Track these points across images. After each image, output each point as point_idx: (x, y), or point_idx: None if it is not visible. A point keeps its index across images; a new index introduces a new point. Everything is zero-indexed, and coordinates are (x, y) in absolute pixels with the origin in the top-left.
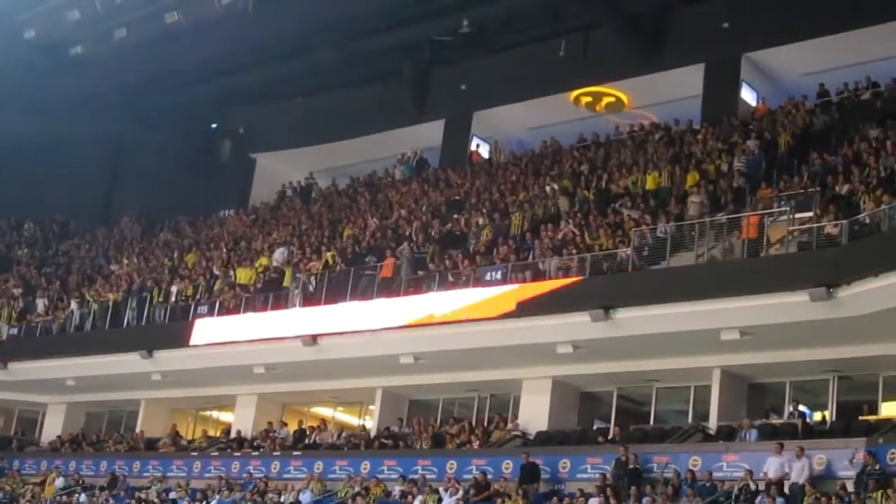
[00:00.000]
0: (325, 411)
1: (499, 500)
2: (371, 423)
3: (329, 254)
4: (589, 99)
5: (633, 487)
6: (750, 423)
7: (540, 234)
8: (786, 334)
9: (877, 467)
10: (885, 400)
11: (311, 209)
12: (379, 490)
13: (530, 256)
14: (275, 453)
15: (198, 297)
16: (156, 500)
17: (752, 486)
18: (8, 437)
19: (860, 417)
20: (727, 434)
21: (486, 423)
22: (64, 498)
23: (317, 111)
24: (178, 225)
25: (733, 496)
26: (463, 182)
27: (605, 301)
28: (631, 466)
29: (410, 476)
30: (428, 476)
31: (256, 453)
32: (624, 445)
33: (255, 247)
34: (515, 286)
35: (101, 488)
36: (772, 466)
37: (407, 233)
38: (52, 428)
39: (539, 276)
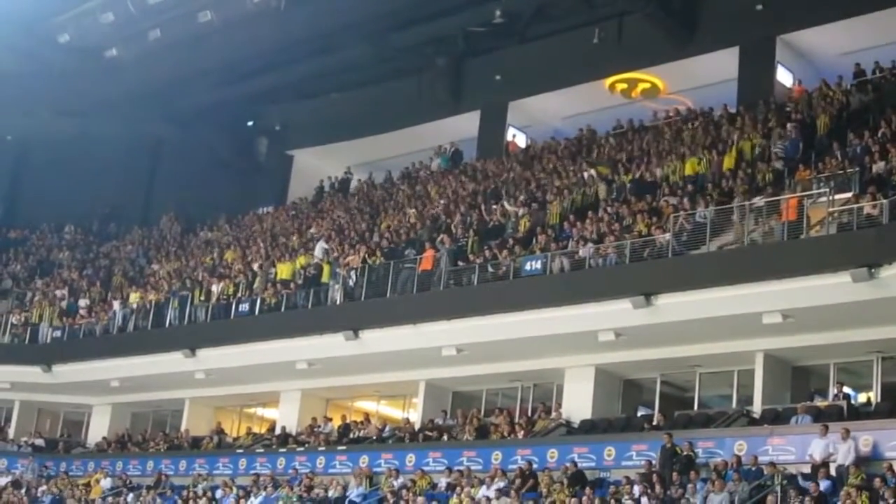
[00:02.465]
0: (368, 405)
1: (544, 490)
2: (415, 416)
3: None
4: (624, 86)
5: (680, 474)
6: (804, 406)
7: (576, 223)
8: (828, 316)
9: None
10: None
11: (349, 203)
12: (425, 482)
13: (569, 245)
14: (320, 448)
15: (239, 294)
16: (202, 498)
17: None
18: (55, 439)
19: None
20: (772, 418)
21: (529, 413)
22: (110, 499)
23: (352, 106)
24: (217, 223)
25: (777, 482)
26: (500, 172)
27: (646, 287)
28: (685, 454)
29: (456, 467)
30: (473, 467)
31: (302, 449)
32: (668, 432)
33: (292, 243)
34: None
35: (148, 488)
36: (817, 449)
37: (446, 224)
38: (98, 429)
39: (578, 264)
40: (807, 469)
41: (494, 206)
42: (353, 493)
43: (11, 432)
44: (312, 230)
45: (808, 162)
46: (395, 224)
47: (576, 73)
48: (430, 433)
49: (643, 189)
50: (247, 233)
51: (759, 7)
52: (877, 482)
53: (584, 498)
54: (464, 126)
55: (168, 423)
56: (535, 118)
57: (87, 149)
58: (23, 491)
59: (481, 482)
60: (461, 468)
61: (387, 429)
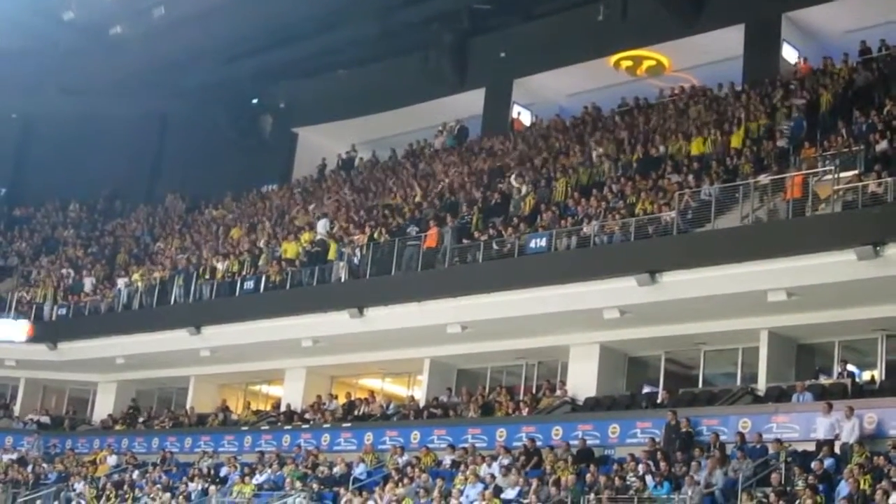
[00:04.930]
0: (373, 383)
1: (549, 468)
2: (419, 394)
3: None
4: (629, 63)
5: (682, 452)
6: (803, 385)
7: (581, 201)
8: (833, 294)
9: None
10: None
11: (353, 181)
12: (429, 459)
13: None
14: (325, 426)
15: (244, 272)
16: (207, 475)
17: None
18: (60, 416)
19: None
20: (776, 396)
21: (534, 391)
22: (116, 476)
23: (357, 83)
24: (222, 201)
25: (781, 460)
26: (505, 150)
27: (651, 265)
28: (683, 430)
29: (460, 445)
30: (478, 445)
31: (306, 426)
32: (672, 409)
33: (297, 222)
34: None
35: (154, 465)
36: (821, 427)
37: (450, 202)
38: (104, 406)
39: (584, 241)
40: (811, 447)
41: (500, 185)
42: (358, 470)
43: (17, 410)
44: (312, 206)
45: (813, 140)
46: (398, 202)
47: (581, 51)
48: (434, 410)
49: (648, 167)
50: (251, 210)
51: None
52: (879, 459)
53: (589, 475)
54: (469, 103)
55: (173, 400)
56: (540, 96)
57: (91, 127)
58: (28, 468)
59: (485, 459)
60: (466, 445)
61: (391, 406)
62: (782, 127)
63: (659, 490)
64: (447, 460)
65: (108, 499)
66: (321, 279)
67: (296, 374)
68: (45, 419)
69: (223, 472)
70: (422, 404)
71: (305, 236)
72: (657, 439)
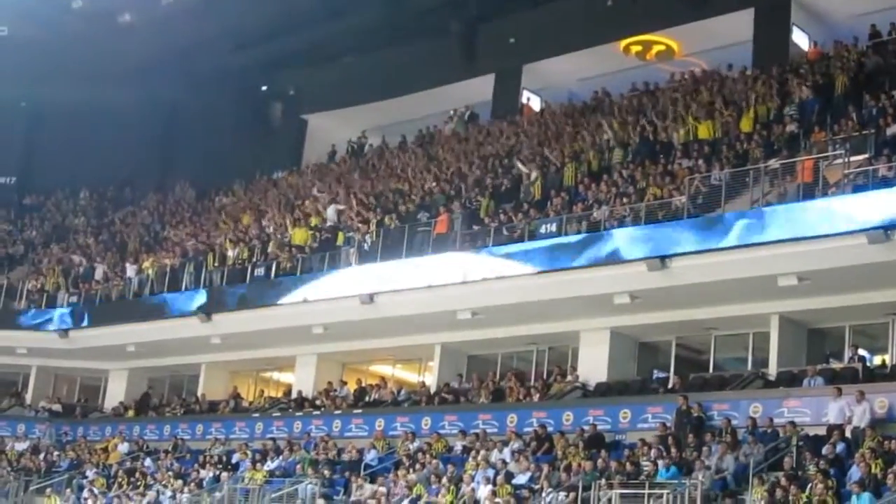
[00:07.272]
0: (384, 369)
1: (560, 453)
2: (430, 380)
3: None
4: (639, 48)
5: (694, 436)
6: (814, 369)
7: (591, 186)
8: (844, 278)
9: None
10: None
11: (363, 167)
12: (441, 445)
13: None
14: (336, 412)
15: (254, 259)
16: (219, 462)
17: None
18: (72, 404)
19: None
20: (787, 380)
21: (545, 376)
22: (128, 463)
23: (367, 70)
24: (232, 188)
25: (793, 444)
26: (515, 135)
27: (661, 250)
28: (695, 415)
29: (471, 431)
30: (489, 430)
31: (318, 413)
32: (684, 394)
33: (306, 209)
34: None
35: (166, 452)
36: (833, 411)
37: (461, 188)
38: (115, 394)
39: (594, 227)
40: (822, 431)
41: (513, 169)
42: (369, 456)
43: (29, 398)
44: (315, 191)
45: (823, 124)
46: (406, 188)
47: (590, 36)
48: (445, 396)
49: (658, 151)
50: (261, 197)
51: None
52: (890, 444)
53: (600, 460)
54: (478, 89)
55: (184, 387)
56: (550, 81)
57: (101, 114)
58: (41, 456)
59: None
60: (477, 431)
61: (402, 392)
62: (791, 111)
63: (670, 475)
64: (458, 446)
65: (120, 486)
66: (332, 265)
67: (307, 360)
68: (57, 407)
69: (235, 458)
70: (433, 390)
71: (314, 220)
72: (668, 424)
